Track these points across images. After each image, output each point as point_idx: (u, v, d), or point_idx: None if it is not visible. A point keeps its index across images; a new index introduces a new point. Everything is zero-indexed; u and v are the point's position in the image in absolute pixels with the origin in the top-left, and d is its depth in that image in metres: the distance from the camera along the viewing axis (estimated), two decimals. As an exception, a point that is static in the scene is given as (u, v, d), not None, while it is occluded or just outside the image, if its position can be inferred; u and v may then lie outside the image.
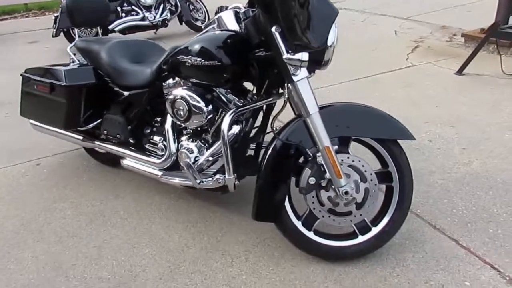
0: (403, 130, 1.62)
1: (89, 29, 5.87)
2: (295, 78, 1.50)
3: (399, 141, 1.65)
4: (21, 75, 2.31)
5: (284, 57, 1.45)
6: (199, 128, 1.88)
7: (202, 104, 1.75)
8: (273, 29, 1.45)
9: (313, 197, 1.62)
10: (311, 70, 1.61)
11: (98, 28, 5.76)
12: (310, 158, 1.58)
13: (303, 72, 1.50)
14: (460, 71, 3.68)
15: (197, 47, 1.69)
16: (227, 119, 1.61)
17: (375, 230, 1.66)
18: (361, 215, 1.63)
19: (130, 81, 2.02)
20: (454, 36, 4.91)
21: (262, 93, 1.77)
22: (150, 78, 1.97)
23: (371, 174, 1.61)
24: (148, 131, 2.12)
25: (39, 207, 2.24)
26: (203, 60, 1.67)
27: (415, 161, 2.36)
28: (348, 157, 1.61)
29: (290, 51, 1.45)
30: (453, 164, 2.32)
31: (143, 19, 5.98)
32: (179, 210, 2.12)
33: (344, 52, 4.71)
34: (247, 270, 1.70)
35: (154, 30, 6.30)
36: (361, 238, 1.66)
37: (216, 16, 1.77)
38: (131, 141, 2.15)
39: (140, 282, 1.69)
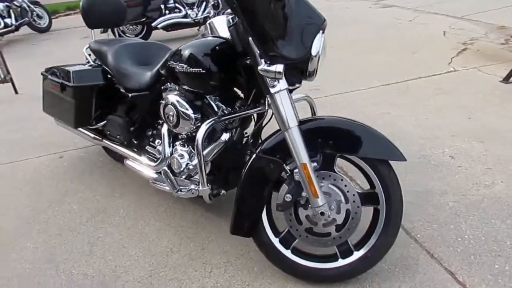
0: (392, 149, 1.49)
1: (133, 26, 6.10)
2: (272, 90, 1.43)
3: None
4: (41, 73, 2.43)
5: (259, 68, 1.39)
6: (190, 134, 1.87)
7: (190, 111, 1.74)
8: (250, 38, 1.39)
9: (290, 214, 1.55)
10: (295, 81, 1.53)
11: (141, 26, 6.02)
12: (288, 174, 1.51)
13: (281, 84, 1.43)
14: (507, 79, 3.35)
15: (185, 53, 1.67)
16: (202, 129, 1.58)
17: (356, 255, 1.55)
18: (340, 237, 1.53)
19: (132, 84, 2.05)
20: (511, 39, 4.48)
21: (250, 102, 1.71)
22: (150, 82, 1.99)
23: (353, 195, 1.50)
24: (150, 133, 2.14)
25: (51, 199, 2.36)
26: (189, 67, 1.65)
27: (429, 179, 2.19)
28: (330, 175, 1.51)
29: (267, 62, 1.39)
30: (472, 185, 2.11)
31: (185, 16, 6.10)
32: (174, 213, 2.13)
33: (381, 54, 4.51)
34: (223, 283, 1.67)
35: (197, 27, 6.41)
36: (341, 262, 1.56)
37: (208, 22, 1.74)
38: (134, 142, 2.19)
39: (119, 284, 1.72)
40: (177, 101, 1.76)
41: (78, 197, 2.36)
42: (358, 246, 1.56)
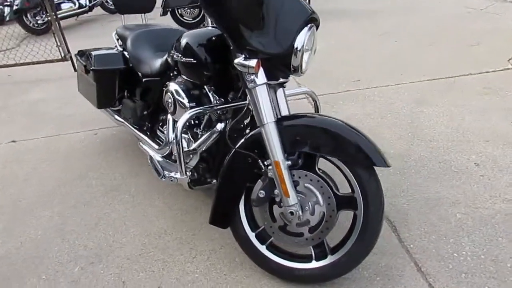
0: (374, 154, 1.39)
1: (191, 9, 6.23)
2: (249, 85, 1.40)
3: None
4: (74, 55, 2.61)
5: (234, 62, 1.38)
6: (192, 122, 1.90)
7: (185, 100, 1.77)
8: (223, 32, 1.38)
9: (265, 211, 1.53)
10: (281, 76, 1.49)
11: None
12: (262, 171, 1.49)
13: (260, 79, 1.40)
14: None
15: (181, 43, 1.70)
16: (183, 118, 1.59)
17: (330, 259, 1.49)
18: (313, 239, 1.49)
19: (145, 69, 2.13)
20: None
21: (241, 94, 1.70)
22: (161, 68, 2.05)
23: (328, 197, 1.45)
24: (161, 118, 2.22)
25: (76, 173, 2.55)
26: (183, 57, 1.68)
27: (444, 185, 2.03)
28: (306, 175, 1.47)
29: (246, 56, 1.37)
30: (489, 197, 1.92)
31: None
32: (178, 196, 2.20)
33: (436, 47, 4.19)
34: (202, 270, 1.71)
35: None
36: (314, 264, 1.51)
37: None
38: (148, 125, 2.28)
39: (111, 258, 1.83)
40: (175, 89, 1.80)
41: (99, 173, 2.52)
42: (334, 250, 1.51)
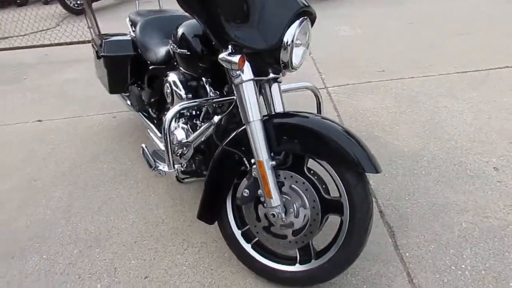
0: (364, 158, 1.31)
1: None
2: (235, 81, 1.36)
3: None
4: (91, 40, 2.65)
5: (219, 57, 1.33)
6: (193, 112, 1.89)
7: (182, 91, 1.75)
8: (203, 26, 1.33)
9: (250, 210, 1.50)
10: (273, 71, 1.43)
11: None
12: (247, 169, 1.45)
13: (246, 74, 1.34)
14: None
15: (177, 33, 1.66)
16: (172, 111, 1.57)
17: (314, 264, 1.44)
18: (296, 242, 1.44)
19: (151, 57, 2.12)
20: None
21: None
22: (166, 56, 2.03)
23: (313, 201, 1.39)
24: (167, 106, 2.21)
25: (90, 156, 2.62)
26: (177, 48, 1.65)
27: (455, 190, 1.90)
28: (292, 176, 1.41)
29: (232, 50, 1.32)
30: (503, 206, 1.78)
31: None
32: (181, 186, 2.21)
33: (470, 36, 3.90)
34: (191, 262, 1.71)
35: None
36: (297, 267, 1.47)
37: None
38: (154, 113, 2.29)
39: (108, 243, 1.88)
40: (173, 80, 1.78)
41: (111, 157, 2.58)
42: (319, 255, 1.45)
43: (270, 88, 1.50)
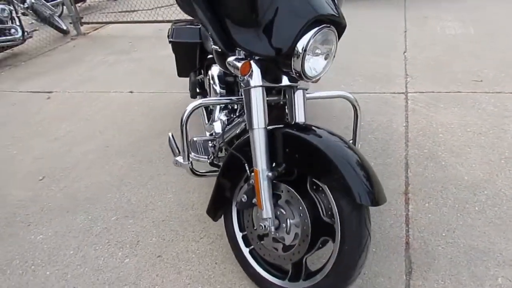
0: (362, 188, 1.19)
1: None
2: (243, 86, 1.33)
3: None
4: (171, 24, 2.81)
5: (227, 60, 1.32)
6: (231, 107, 1.92)
7: (217, 86, 1.79)
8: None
9: (249, 215, 1.49)
10: (290, 80, 1.37)
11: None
12: (248, 175, 1.42)
13: (254, 80, 1.31)
14: None
15: None
16: (188, 108, 1.59)
17: (301, 285, 1.38)
18: (284, 258, 1.39)
19: (208, 47, 2.18)
20: None
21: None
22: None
23: (305, 221, 1.31)
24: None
25: (157, 131, 2.83)
26: (212, 44, 1.67)
27: (504, 238, 1.62)
28: (288, 191, 1.35)
29: (239, 55, 1.30)
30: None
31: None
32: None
33: None
34: (201, 252, 1.78)
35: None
36: (285, 283, 1.43)
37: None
38: None
39: (141, 217, 2.04)
40: (212, 74, 1.82)
41: (157, 139, 2.71)
42: (309, 276, 1.38)
43: (293, 95, 1.43)
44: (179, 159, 1.69)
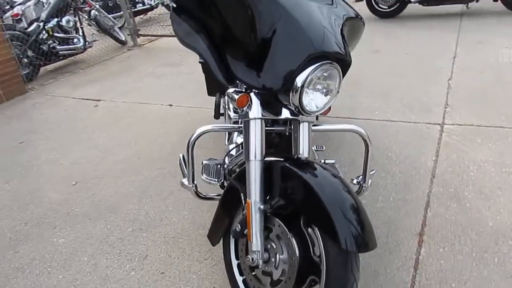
0: (348, 232, 1.15)
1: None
2: (241, 116, 1.35)
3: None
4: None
5: (226, 91, 1.34)
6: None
7: (231, 112, 1.85)
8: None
9: (243, 244, 1.48)
10: (292, 113, 1.36)
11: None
12: (242, 205, 1.43)
13: (252, 112, 1.33)
14: None
15: None
16: (195, 133, 1.61)
17: (283, 322, 1.35)
18: (272, 293, 1.37)
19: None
20: None
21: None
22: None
23: (292, 258, 1.29)
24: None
25: (170, 149, 2.90)
26: None
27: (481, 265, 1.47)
28: (279, 226, 1.33)
29: (238, 87, 1.32)
30: None
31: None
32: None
33: None
34: (202, 273, 1.80)
35: (466, 4, 5.50)
36: (272, 318, 1.40)
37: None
38: None
39: (154, 231, 2.11)
40: (228, 95, 1.85)
41: (201, 151, 2.75)
42: (293, 314, 1.35)
43: (298, 127, 1.42)
44: (185, 181, 1.73)
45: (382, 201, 2.06)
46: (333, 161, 1.81)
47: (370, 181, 1.70)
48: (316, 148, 2.01)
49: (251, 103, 1.33)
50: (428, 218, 1.91)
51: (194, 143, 1.64)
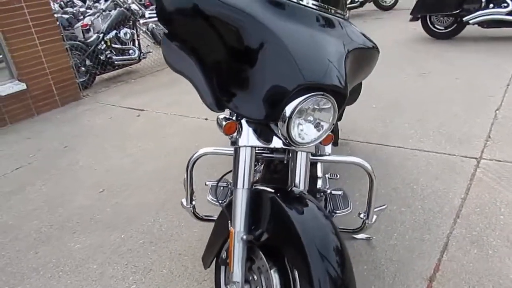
0: (331, 283, 1.10)
1: (444, 18, 5.53)
2: (231, 143, 1.34)
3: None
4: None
5: (216, 117, 1.34)
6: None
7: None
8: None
9: (229, 272, 1.45)
10: (284, 143, 1.33)
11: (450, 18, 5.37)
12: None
13: (242, 140, 1.32)
14: None
15: None
16: (194, 155, 1.62)
17: None
18: (250, 327, 1.33)
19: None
20: None
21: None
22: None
23: (269, 293, 1.25)
24: None
25: (212, 161, 2.94)
26: None
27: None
28: (261, 259, 1.30)
29: (228, 115, 1.32)
30: None
31: (511, 13, 4.95)
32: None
33: None
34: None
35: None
36: None
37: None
38: None
39: (163, 245, 2.15)
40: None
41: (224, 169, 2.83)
42: None
43: (295, 157, 1.39)
44: (184, 201, 1.75)
45: (396, 238, 1.94)
46: (340, 193, 1.74)
47: (375, 217, 1.62)
48: (330, 176, 1.95)
49: (241, 130, 1.32)
50: (443, 262, 1.76)
51: (193, 164, 1.66)
